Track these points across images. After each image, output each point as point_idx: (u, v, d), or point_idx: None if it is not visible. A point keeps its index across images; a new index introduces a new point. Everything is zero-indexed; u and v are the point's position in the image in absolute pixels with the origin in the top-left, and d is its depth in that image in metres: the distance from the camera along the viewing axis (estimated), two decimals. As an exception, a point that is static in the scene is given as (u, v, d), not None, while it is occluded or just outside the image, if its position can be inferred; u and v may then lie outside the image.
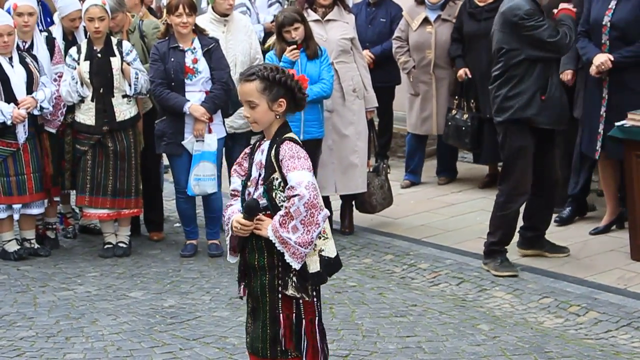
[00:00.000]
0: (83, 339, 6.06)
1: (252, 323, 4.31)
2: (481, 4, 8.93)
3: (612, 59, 7.29)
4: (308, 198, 4.02)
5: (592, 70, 7.40)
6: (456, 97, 9.21)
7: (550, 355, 5.64)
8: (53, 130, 7.90)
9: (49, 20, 8.56)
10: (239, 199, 4.31)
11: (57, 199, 8.22)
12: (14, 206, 7.79)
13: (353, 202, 8.35)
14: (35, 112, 7.66)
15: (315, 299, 4.24)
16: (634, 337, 5.94)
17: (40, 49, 7.90)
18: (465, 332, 6.05)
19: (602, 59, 7.32)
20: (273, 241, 4.10)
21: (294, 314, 4.19)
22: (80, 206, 8.01)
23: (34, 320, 6.42)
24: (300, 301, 4.19)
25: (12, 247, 7.85)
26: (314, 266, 4.17)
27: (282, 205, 4.12)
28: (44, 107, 7.67)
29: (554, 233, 7.63)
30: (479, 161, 9.60)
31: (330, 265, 4.22)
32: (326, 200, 7.95)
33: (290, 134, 4.21)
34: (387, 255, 7.70)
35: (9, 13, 7.73)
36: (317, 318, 4.24)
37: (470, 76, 9.02)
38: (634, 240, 7.15)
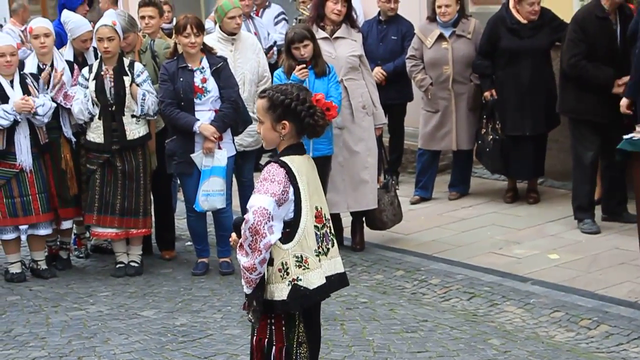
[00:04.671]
0: (95, 359, 6.09)
1: None
2: (524, 21, 8.89)
3: None
4: (252, 223, 4.03)
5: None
6: (484, 117, 9.23)
7: (562, 369, 5.65)
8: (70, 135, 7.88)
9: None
10: None
11: (80, 219, 8.14)
12: (21, 227, 7.82)
13: (364, 219, 8.36)
14: (29, 117, 7.57)
15: (283, 328, 4.22)
16: (645, 350, 5.94)
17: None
18: (477, 347, 6.05)
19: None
20: None
21: (266, 339, 4.20)
22: (89, 225, 8.04)
23: (47, 340, 6.46)
24: (273, 327, 4.19)
25: (15, 269, 7.89)
26: (279, 294, 4.15)
27: None
28: (38, 115, 7.58)
29: (572, 244, 7.69)
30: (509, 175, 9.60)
31: (306, 297, 4.18)
32: (336, 217, 7.98)
33: (285, 157, 4.21)
34: (398, 271, 7.70)
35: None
36: (285, 347, 4.21)
37: (495, 97, 9.05)
38: (645, 252, 7.14)
